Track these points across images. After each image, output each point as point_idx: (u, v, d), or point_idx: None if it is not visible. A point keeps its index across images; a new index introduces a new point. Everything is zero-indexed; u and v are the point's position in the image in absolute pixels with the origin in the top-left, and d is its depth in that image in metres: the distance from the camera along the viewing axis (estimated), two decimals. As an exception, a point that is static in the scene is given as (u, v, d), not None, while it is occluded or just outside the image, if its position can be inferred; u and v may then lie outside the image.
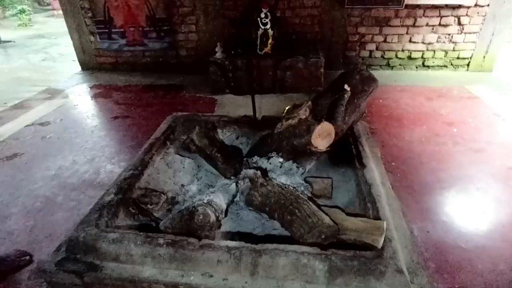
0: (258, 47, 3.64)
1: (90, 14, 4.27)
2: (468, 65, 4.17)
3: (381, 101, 3.35)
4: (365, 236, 1.41)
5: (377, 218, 1.50)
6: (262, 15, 3.59)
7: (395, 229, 1.50)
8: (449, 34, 4.03)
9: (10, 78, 4.89)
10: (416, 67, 4.28)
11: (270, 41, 3.63)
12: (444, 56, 4.17)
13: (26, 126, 3.07)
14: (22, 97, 3.83)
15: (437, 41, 4.08)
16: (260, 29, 3.59)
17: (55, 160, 2.49)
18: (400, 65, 4.29)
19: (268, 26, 3.60)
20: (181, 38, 4.34)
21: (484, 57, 4.06)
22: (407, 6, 3.86)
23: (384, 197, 1.71)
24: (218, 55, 3.63)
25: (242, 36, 3.82)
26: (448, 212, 1.86)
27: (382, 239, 1.35)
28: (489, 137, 2.61)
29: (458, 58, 4.16)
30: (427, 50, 4.15)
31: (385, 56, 4.25)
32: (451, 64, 4.21)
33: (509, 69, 4.23)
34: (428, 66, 4.25)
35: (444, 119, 2.95)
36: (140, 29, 4.25)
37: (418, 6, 3.87)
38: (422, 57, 4.21)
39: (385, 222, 1.42)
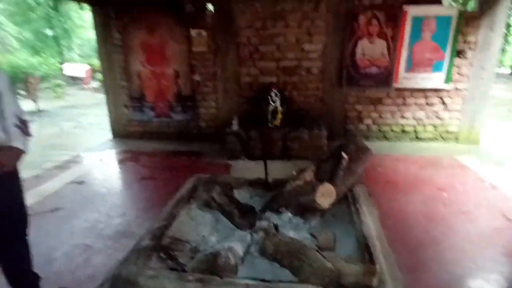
0: (269, 121, 4.23)
1: (126, 91, 5.07)
2: (456, 138, 4.66)
3: (379, 168, 3.76)
4: (361, 278, 1.68)
5: (372, 264, 1.78)
6: (272, 94, 4.27)
7: (388, 275, 1.77)
8: (435, 111, 4.62)
9: (46, 144, 5.50)
10: (410, 139, 4.78)
11: (279, 115, 4.24)
12: (434, 130, 4.70)
13: (66, 184, 3.51)
14: (57, 161, 4.33)
15: (426, 117, 4.65)
16: (271, 105, 4.24)
17: (91, 214, 2.84)
18: (395, 137, 4.80)
19: (278, 103, 4.24)
20: (203, 112, 5.03)
21: (469, 131, 4.57)
22: (396, 89, 4.54)
23: (379, 248, 2.00)
24: (234, 127, 4.21)
25: (256, 112, 4.46)
26: (438, 264, 2.10)
27: (376, 280, 1.63)
28: (475, 201, 2.92)
29: (447, 132, 4.67)
30: (418, 124, 4.70)
31: (381, 130, 4.80)
32: (441, 137, 4.70)
33: (493, 142, 4.69)
34: (420, 138, 4.75)
35: (435, 185, 3.29)
36: (168, 103, 4.97)
37: (405, 89, 4.54)
38: (414, 130, 4.75)
39: (377, 265, 1.70)
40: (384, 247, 2.25)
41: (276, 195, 2.53)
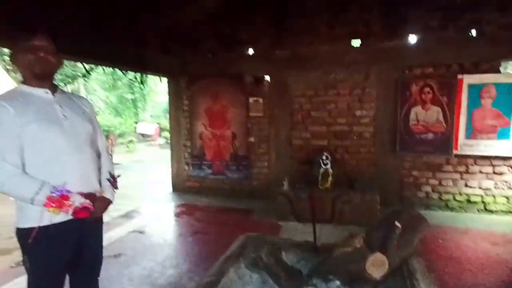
0: (320, 183, 4.27)
1: (189, 150, 5.63)
2: (536, 212, 4.12)
3: (440, 241, 3.45)
4: None
5: None
6: (324, 157, 4.37)
7: None
8: (506, 181, 4.21)
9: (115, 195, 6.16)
10: (478, 210, 4.35)
11: (330, 178, 4.27)
12: (507, 202, 4.23)
13: (129, 232, 3.86)
14: (123, 210, 4.81)
15: (495, 187, 4.26)
16: (322, 168, 4.32)
17: (149, 262, 3.06)
18: (459, 207, 4.42)
19: (329, 166, 4.31)
20: (255, 171, 5.29)
21: (552, 206, 4.03)
22: (456, 156, 4.32)
23: (439, 332, 1.81)
24: (285, 187, 4.32)
25: (307, 173, 4.57)
26: None
27: None
28: None
29: (522, 205, 4.18)
30: (486, 195, 4.30)
31: (443, 198, 4.48)
32: (517, 211, 4.20)
33: None
34: (490, 211, 4.29)
35: (510, 265, 2.90)
36: (224, 162, 5.36)
37: (467, 156, 4.30)
38: (482, 201, 4.33)
39: None
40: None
41: (323, 260, 2.49)
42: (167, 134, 8.49)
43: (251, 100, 5.17)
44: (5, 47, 3.77)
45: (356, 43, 4.72)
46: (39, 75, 1.49)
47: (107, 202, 1.71)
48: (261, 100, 5.14)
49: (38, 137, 1.43)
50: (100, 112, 18.42)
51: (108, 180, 1.75)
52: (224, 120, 5.32)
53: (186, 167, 5.69)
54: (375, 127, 4.66)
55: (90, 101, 1.87)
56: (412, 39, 4.44)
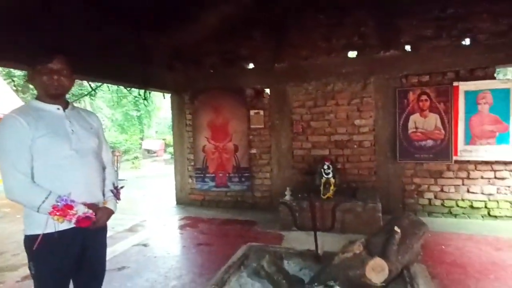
0: (322, 193, 4.30)
1: (192, 163, 5.71)
2: (540, 217, 4.09)
3: (443, 247, 3.44)
4: None
5: None
6: (325, 167, 4.41)
7: None
8: (509, 186, 4.20)
9: (120, 209, 6.17)
10: (482, 216, 4.32)
11: (332, 187, 4.29)
12: (511, 207, 4.21)
13: (133, 245, 3.90)
14: (128, 225, 4.85)
15: (497, 192, 4.25)
16: (323, 177, 4.35)
17: (152, 274, 3.09)
18: (463, 213, 4.40)
19: (330, 175, 4.35)
20: (258, 183, 5.34)
21: (557, 209, 4.00)
22: (456, 161, 4.34)
23: (440, 336, 1.81)
24: (287, 197, 4.36)
25: (309, 183, 4.60)
26: None
27: None
28: None
29: (526, 209, 4.15)
30: (489, 200, 4.29)
31: (445, 205, 4.47)
32: (521, 216, 4.17)
33: None
34: (495, 216, 4.27)
35: (515, 270, 2.88)
36: (227, 175, 5.42)
37: (468, 162, 4.31)
38: (485, 206, 4.31)
39: None
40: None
41: (324, 267, 2.50)
42: (172, 150, 8.62)
43: (252, 112, 5.28)
44: (24, 69, 3.96)
45: (352, 54, 4.84)
46: (53, 95, 1.62)
47: (109, 213, 1.79)
48: (261, 112, 5.24)
49: (47, 149, 1.53)
50: (106, 129, 18.78)
51: (112, 191, 1.83)
52: (226, 133, 5.41)
53: (190, 180, 5.76)
54: (375, 136, 4.71)
55: (97, 117, 1.98)
56: (408, 48, 4.55)
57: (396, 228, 2.55)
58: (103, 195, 1.79)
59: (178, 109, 5.82)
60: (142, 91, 5.37)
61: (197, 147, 5.62)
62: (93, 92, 6.80)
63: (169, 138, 16.70)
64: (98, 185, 1.75)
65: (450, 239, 3.64)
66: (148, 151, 17.94)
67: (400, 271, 2.45)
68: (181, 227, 4.63)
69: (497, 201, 4.26)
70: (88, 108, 15.98)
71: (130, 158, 14.27)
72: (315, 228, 3.01)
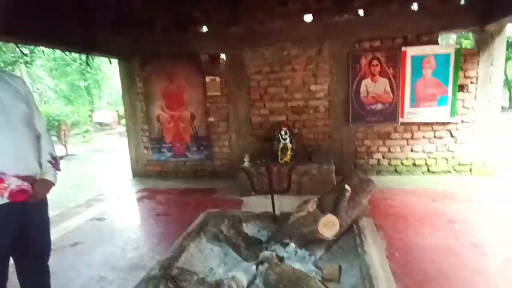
0: (280, 157, 4.40)
1: (147, 134, 5.46)
2: (470, 170, 4.60)
3: (389, 201, 3.75)
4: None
5: (373, 292, 1.80)
6: (282, 132, 4.48)
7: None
8: (445, 144, 4.63)
9: (71, 185, 5.86)
10: (422, 172, 4.76)
11: (289, 152, 4.40)
12: (446, 163, 4.67)
13: (87, 221, 3.73)
14: (82, 200, 4.62)
15: (436, 150, 4.67)
16: (281, 143, 4.43)
17: (108, 248, 3.00)
18: (407, 171, 4.80)
19: (287, 140, 4.44)
20: (216, 151, 5.30)
21: (483, 163, 4.51)
22: (402, 123, 4.64)
23: (382, 278, 2.01)
24: (246, 164, 4.39)
25: (267, 149, 4.66)
26: (447, 297, 2.06)
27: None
28: (489, 234, 2.85)
29: (459, 164, 4.63)
30: (429, 158, 4.71)
31: (392, 164, 4.83)
32: (454, 170, 4.66)
33: (509, 174, 4.57)
34: (433, 172, 4.72)
35: (447, 217, 3.25)
36: (185, 144, 5.29)
37: (412, 123, 4.64)
38: (425, 164, 4.74)
39: (375, 291, 1.72)
40: (388, 277, 2.24)
41: (280, 226, 2.62)
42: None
43: (207, 79, 5.09)
44: None
45: (308, 18, 4.79)
46: None
47: (48, 185, 1.64)
48: (217, 78, 5.08)
49: None
50: (50, 101, 17.14)
51: (49, 162, 1.68)
52: (181, 101, 5.20)
53: (145, 152, 5.54)
54: (329, 101, 4.83)
55: (24, 81, 1.75)
56: (361, 13, 4.59)
57: (346, 186, 2.70)
58: (40, 166, 1.64)
59: (127, 77, 5.42)
60: (85, 57, 4.88)
61: (151, 117, 5.35)
62: (27, 58, 6.04)
63: (123, 110, 15.77)
64: (32, 156, 1.59)
65: (395, 194, 3.98)
66: (100, 124, 16.84)
67: (350, 225, 2.65)
68: (138, 199, 4.51)
69: (435, 158, 4.70)
70: (26, 78, 14.33)
71: (81, 132, 13.32)
72: (272, 191, 3.11)
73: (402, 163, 4.80)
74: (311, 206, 2.52)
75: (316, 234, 2.33)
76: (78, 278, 2.50)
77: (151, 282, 2.04)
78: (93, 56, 4.87)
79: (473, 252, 2.57)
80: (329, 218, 2.37)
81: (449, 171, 4.67)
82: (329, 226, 2.37)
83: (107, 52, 5.15)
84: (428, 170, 4.74)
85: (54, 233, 3.35)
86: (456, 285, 2.18)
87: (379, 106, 4.62)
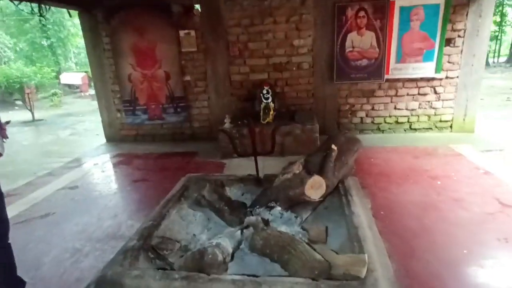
0: (262, 118, 4.21)
1: (118, 95, 5.06)
2: (451, 127, 4.63)
3: (372, 160, 3.73)
4: (351, 269, 1.65)
5: (362, 253, 1.75)
6: (264, 91, 4.25)
7: (379, 264, 1.74)
8: (428, 101, 4.59)
9: (40, 151, 5.50)
10: (404, 130, 4.75)
11: (271, 112, 4.22)
12: (428, 120, 4.67)
13: (57, 190, 3.49)
14: (51, 167, 4.33)
15: (419, 108, 4.62)
16: (263, 102, 4.22)
17: (82, 217, 2.82)
18: (389, 129, 4.77)
19: (270, 100, 4.23)
20: (195, 112, 5.02)
21: (464, 119, 4.53)
22: (387, 80, 4.51)
23: (370, 238, 1.97)
24: (226, 125, 4.19)
25: (248, 110, 4.44)
26: (431, 251, 2.07)
27: (365, 270, 1.59)
28: (469, 188, 2.89)
29: (440, 121, 4.64)
30: (412, 115, 4.67)
31: (375, 122, 4.78)
32: (435, 127, 4.67)
33: (489, 130, 4.66)
34: (415, 129, 4.72)
35: (429, 174, 3.26)
36: (160, 106, 4.96)
37: (397, 80, 4.52)
38: (408, 121, 4.72)
39: (366, 255, 1.67)
40: (375, 237, 2.22)
41: (265, 189, 2.51)
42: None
43: (181, 33, 4.64)
44: None
45: (291, -37, 4.34)
46: None
47: (-7, 154, 1.40)
48: (193, 32, 4.64)
49: None
50: (10, 62, 15.69)
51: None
52: (154, 58, 4.77)
53: (118, 115, 5.18)
54: (313, 57, 4.58)
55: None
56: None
57: (333, 146, 2.57)
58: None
59: (91, 31, 4.86)
60: (37, 7, 4.25)
61: (121, 77, 4.92)
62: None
63: (92, 70, 14.75)
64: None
65: (378, 152, 3.96)
66: (69, 86, 15.77)
67: (336, 185, 2.58)
68: (114, 165, 4.26)
69: (418, 116, 4.67)
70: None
71: (48, 95, 12.43)
72: (255, 153, 2.95)
73: (385, 121, 4.76)
74: (297, 168, 2.40)
75: (302, 197, 2.23)
76: (50, 251, 2.34)
77: (129, 254, 1.90)
78: (47, 7, 4.25)
79: (454, 207, 2.59)
80: (316, 179, 2.26)
81: (430, 128, 4.68)
82: (315, 188, 2.28)
83: (63, 1, 4.51)
84: (410, 127, 4.73)
85: (22, 205, 3.14)
86: (439, 239, 2.20)
87: (364, 62, 4.42)
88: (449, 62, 4.37)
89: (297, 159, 2.62)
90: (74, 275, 2.05)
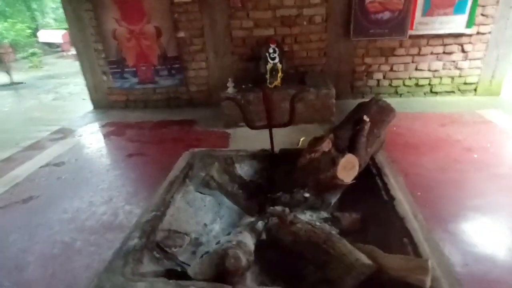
0: (268, 81, 3.71)
1: (103, 55, 4.43)
2: (475, 90, 4.22)
3: (395, 128, 3.34)
4: (408, 276, 1.33)
5: (418, 255, 1.42)
6: (271, 50, 3.70)
7: (438, 266, 1.42)
8: (454, 61, 4.11)
9: (22, 119, 4.96)
10: (424, 94, 4.33)
11: (279, 74, 3.71)
12: (451, 82, 4.23)
13: (41, 167, 3.07)
14: (35, 137, 3.86)
15: (442, 68, 4.16)
16: (269, 63, 3.70)
17: (72, 202, 2.44)
18: (408, 92, 4.34)
19: (277, 60, 3.70)
20: (192, 75, 4.46)
21: (490, 81, 4.12)
22: (410, 37, 3.98)
23: (419, 231, 1.64)
24: (230, 90, 3.69)
25: (252, 71, 3.92)
26: (485, 243, 1.78)
27: (429, 279, 1.27)
28: (511, 162, 2.57)
29: (465, 83, 4.21)
30: (434, 77, 4.22)
31: (393, 84, 4.32)
32: (459, 90, 4.25)
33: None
34: (436, 92, 4.30)
35: (461, 145, 2.92)
36: (152, 67, 4.38)
37: (421, 36, 3.99)
38: (429, 84, 4.27)
39: (430, 261, 1.34)
40: (424, 228, 1.90)
41: (288, 171, 2.13)
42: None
43: (173, -20, 3.94)
44: None
45: None
46: None
47: None
48: (186, -21, 3.94)
49: None
50: (-21, 17, 14.24)
51: None
52: (141, 11, 4.08)
53: (105, 78, 4.58)
54: (327, 8, 3.97)
55: None
56: None
57: (365, 118, 2.15)
58: None
59: (64, -23, 4.10)
60: None
61: (104, 33, 4.26)
62: None
63: (73, 27, 13.50)
64: None
65: (400, 119, 3.50)
66: (49, 45, 14.56)
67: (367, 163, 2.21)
68: (104, 136, 3.80)
69: (441, 77, 4.22)
70: None
71: (26, 56, 11.41)
72: (270, 125, 2.52)
73: (404, 84, 4.30)
74: (327, 145, 2.01)
75: (335, 180, 1.87)
76: (35, 246, 1.98)
77: (131, 258, 1.54)
78: None
79: (502, 187, 2.27)
80: (349, 158, 1.88)
81: (453, 91, 4.26)
82: (348, 168, 1.90)
83: None
84: (431, 91, 4.30)
85: (1, 186, 2.72)
86: (493, 227, 1.90)
87: (386, 15, 3.85)
88: (482, 15, 3.83)
89: (312, 129, 2.22)
90: (65, 280, 1.71)
